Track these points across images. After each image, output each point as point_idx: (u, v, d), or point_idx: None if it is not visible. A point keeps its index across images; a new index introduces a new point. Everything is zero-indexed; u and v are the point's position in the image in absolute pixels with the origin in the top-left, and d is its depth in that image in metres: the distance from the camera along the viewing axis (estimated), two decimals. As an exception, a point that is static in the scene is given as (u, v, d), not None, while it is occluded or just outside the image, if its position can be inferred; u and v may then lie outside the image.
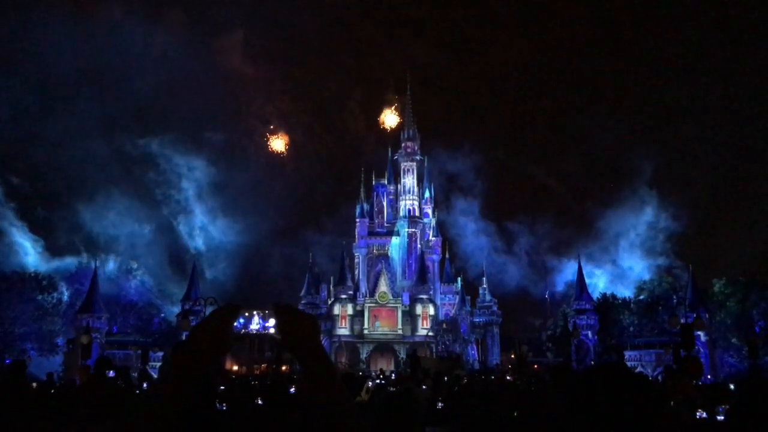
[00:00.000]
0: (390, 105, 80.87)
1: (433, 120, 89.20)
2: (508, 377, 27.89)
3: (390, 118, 78.50)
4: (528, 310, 75.29)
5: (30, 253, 62.53)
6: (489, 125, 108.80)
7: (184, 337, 49.33)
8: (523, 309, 74.93)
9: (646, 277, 67.95)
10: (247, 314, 41.23)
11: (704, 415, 8.24)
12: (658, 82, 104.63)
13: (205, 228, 78.54)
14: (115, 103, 79.05)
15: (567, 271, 74.09)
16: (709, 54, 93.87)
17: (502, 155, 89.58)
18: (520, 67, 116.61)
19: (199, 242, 72.60)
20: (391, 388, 13.67)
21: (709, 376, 45.93)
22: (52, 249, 64.82)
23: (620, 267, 73.68)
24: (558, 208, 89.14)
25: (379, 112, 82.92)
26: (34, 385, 16.54)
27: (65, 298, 57.66)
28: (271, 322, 58.21)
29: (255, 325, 60.42)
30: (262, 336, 60.25)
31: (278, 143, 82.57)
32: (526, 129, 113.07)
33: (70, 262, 64.22)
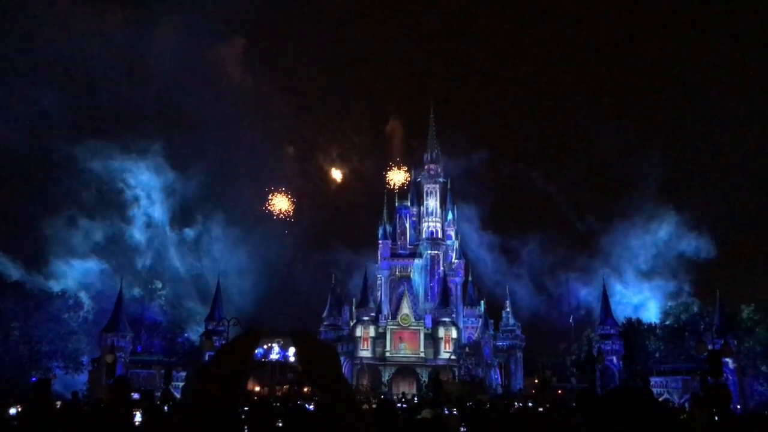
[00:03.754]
0: (398, 120, 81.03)
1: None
2: (529, 403, 27.56)
3: (398, 176, 78.19)
4: (550, 333, 74.23)
5: (12, 272, 60.15)
6: (494, 135, 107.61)
7: (207, 358, 49.51)
8: (546, 332, 73.96)
9: (666, 300, 66.75)
10: (266, 345, 40.40)
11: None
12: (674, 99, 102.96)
13: (225, 249, 78.15)
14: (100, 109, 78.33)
15: (582, 292, 73.14)
16: (729, 60, 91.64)
17: (518, 168, 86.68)
18: (526, 72, 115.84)
19: (220, 263, 72.20)
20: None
21: (738, 405, 44.96)
22: (32, 266, 62.95)
23: (638, 289, 71.89)
24: (569, 226, 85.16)
25: (401, 133, 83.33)
26: (59, 403, 16.67)
27: (90, 316, 58.17)
28: (291, 350, 57.73)
29: (275, 354, 60.05)
30: (282, 364, 60.21)
31: (286, 198, 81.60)
32: (533, 138, 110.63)
33: (68, 275, 63.93)
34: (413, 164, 78.27)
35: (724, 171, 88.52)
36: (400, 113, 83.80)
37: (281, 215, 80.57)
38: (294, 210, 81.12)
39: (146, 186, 75.75)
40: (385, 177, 78.40)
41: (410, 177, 77.18)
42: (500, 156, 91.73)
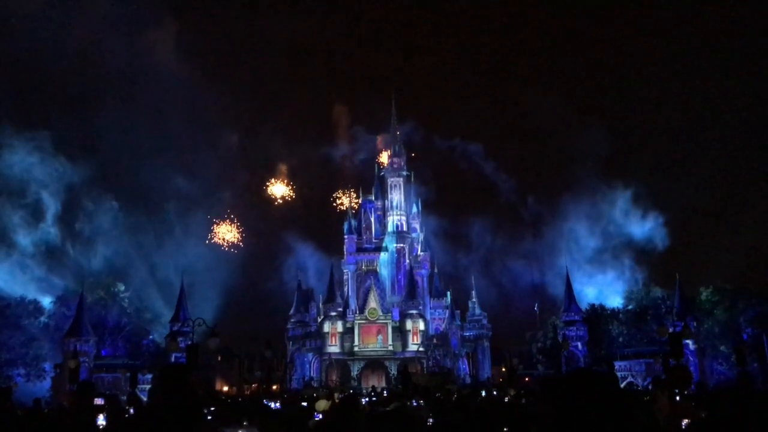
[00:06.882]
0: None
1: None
2: (494, 392, 27.86)
3: (346, 199, 77.82)
4: (516, 321, 74.59)
5: None
6: (429, 110, 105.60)
7: (173, 359, 48.79)
8: (512, 319, 74.36)
9: (624, 284, 67.81)
10: None
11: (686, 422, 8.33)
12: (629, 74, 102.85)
13: (186, 249, 76.23)
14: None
15: (541, 277, 73.74)
16: (674, 31, 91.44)
17: (456, 145, 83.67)
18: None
19: (184, 261, 70.32)
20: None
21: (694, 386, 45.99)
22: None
23: (594, 273, 72.51)
24: (517, 209, 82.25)
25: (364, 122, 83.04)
26: (20, 412, 16.29)
27: (52, 322, 56.91)
28: None
29: None
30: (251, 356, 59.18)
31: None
32: (471, 113, 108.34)
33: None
34: (368, 151, 79.33)
35: (675, 149, 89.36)
36: (346, 98, 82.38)
37: (227, 246, 78.45)
38: (242, 237, 78.52)
39: (40, 174, 69.05)
40: (333, 200, 78.37)
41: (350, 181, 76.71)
42: (435, 132, 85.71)
